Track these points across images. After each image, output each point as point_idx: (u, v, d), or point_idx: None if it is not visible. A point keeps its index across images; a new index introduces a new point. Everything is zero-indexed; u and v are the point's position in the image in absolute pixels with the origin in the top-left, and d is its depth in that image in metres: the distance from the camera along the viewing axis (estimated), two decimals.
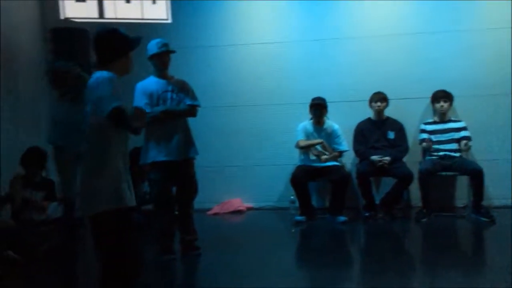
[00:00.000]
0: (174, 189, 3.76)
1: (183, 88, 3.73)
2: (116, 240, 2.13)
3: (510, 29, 5.06)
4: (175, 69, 3.86)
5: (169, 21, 5.47)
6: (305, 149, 4.95)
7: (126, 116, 2.12)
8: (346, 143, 4.97)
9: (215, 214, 5.29)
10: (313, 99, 4.98)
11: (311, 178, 4.88)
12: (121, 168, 2.17)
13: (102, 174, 2.12)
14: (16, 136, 4.59)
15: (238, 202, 5.41)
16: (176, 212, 3.78)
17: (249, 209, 5.40)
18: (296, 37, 5.48)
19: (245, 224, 5.04)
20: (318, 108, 4.93)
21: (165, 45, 3.69)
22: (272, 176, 5.41)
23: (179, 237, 3.74)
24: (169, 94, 3.68)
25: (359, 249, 4.23)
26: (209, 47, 5.57)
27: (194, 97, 3.75)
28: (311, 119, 5.05)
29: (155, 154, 3.60)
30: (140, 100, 3.58)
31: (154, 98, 3.64)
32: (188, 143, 3.71)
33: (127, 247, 2.17)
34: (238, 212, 5.32)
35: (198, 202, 4.01)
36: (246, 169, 5.52)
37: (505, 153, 5.07)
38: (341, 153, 4.97)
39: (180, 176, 3.70)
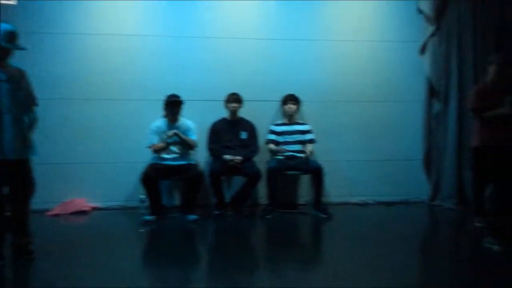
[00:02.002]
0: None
1: (19, 78, 3.34)
2: None
3: (353, 42, 5.58)
4: (21, 56, 3.43)
5: (14, 2, 4.90)
6: (159, 152, 4.85)
7: None
8: (196, 136, 4.96)
9: (56, 215, 4.86)
10: (169, 96, 4.89)
11: (163, 177, 4.78)
12: None
13: None
14: None
15: (82, 202, 5.06)
16: (9, 213, 3.39)
17: (94, 209, 5.09)
18: (155, 32, 5.32)
19: (89, 225, 4.72)
20: (175, 105, 4.86)
21: (13, 35, 3.28)
22: (122, 174, 5.18)
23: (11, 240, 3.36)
24: (2, 85, 3.26)
25: (207, 247, 4.24)
26: (60, 34, 5.13)
27: (28, 91, 3.38)
28: (165, 116, 4.96)
29: None
30: None
31: None
32: (23, 141, 3.34)
33: None
34: (82, 212, 4.98)
35: (37, 202, 3.68)
36: (93, 167, 5.19)
37: (344, 155, 5.58)
38: (193, 142, 4.92)
39: (13, 175, 3.31)
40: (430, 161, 5.63)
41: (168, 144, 4.83)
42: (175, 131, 4.81)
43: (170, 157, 4.86)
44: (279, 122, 5.31)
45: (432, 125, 5.57)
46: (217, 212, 4.88)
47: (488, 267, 3.41)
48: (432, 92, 5.53)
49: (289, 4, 5.51)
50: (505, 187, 4.19)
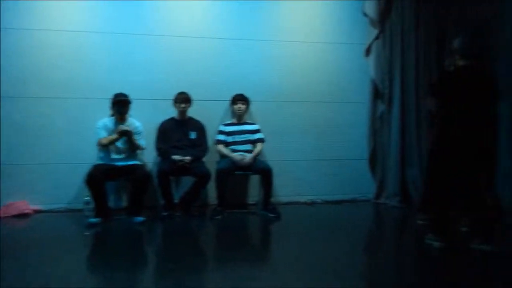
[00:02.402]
0: None
1: None
2: None
3: (301, 43, 5.66)
4: None
5: None
6: (107, 146, 4.71)
7: None
8: (144, 141, 4.88)
9: None
10: (116, 95, 4.78)
11: (109, 178, 4.65)
12: None
13: None
14: None
15: (24, 204, 4.85)
16: None
17: (37, 212, 4.89)
18: (102, 29, 5.18)
19: (31, 228, 4.51)
20: (122, 104, 4.75)
21: None
22: (66, 176, 5.02)
23: None
24: None
25: (155, 249, 4.17)
26: (0, 29, 4.90)
27: None
28: (112, 115, 4.84)
29: None
30: None
31: None
32: None
33: None
34: (23, 215, 4.77)
35: None
36: (35, 167, 4.99)
37: (293, 154, 5.65)
38: (140, 147, 4.85)
39: None
40: (375, 160, 5.81)
41: (119, 136, 4.68)
42: (129, 129, 4.69)
43: (116, 157, 4.75)
44: (228, 122, 5.31)
45: (377, 126, 5.75)
46: (165, 214, 4.81)
47: (429, 263, 3.56)
48: (377, 93, 5.71)
49: (239, 3, 5.52)
50: (451, 186, 4.31)
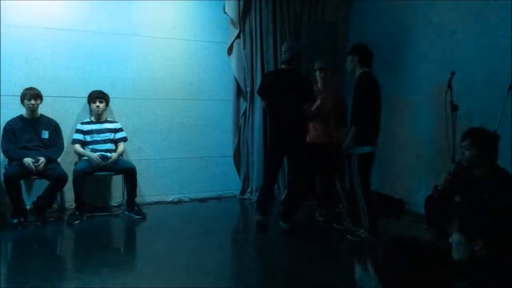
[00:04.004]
0: None
1: None
2: None
3: (166, 40, 5.53)
4: None
5: None
6: None
7: None
8: None
9: None
10: None
11: None
12: None
13: None
14: None
15: None
16: None
17: None
18: None
19: None
20: None
21: None
22: None
23: None
24: None
25: (3, 261, 3.72)
26: None
27: None
28: None
29: None
30: None
31: None
32: None
33: None
34: None
35: None
36: None
37: (157, 153, 5.52)
38: None
39: None
40: (239, 157, 5.94)
41: None
42: None
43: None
44: (87, 120, 4.99)
45: (241, 123, 5.89)
46: (15, 221, 4.33)
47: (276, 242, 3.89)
48: (240, 91, 5.86)
49: None
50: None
